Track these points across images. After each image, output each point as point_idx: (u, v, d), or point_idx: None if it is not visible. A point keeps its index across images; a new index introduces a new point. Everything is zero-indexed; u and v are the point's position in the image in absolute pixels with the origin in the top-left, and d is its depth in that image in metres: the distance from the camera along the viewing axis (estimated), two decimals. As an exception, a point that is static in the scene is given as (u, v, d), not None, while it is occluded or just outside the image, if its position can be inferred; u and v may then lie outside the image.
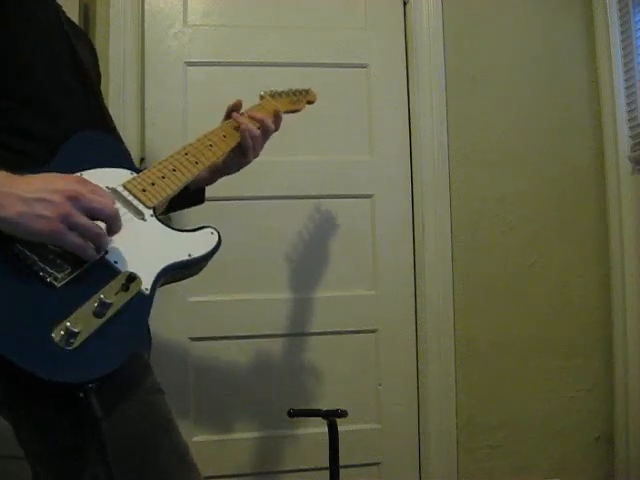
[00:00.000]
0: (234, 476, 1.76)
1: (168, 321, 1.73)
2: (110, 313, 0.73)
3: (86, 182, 0.75)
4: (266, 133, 1.18)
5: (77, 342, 0.69)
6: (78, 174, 0.83)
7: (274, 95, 1.31)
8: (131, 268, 0.79)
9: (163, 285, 0.88)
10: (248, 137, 1.14)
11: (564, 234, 1.91)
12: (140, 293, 0.78)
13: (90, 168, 0.86)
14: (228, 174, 1.21)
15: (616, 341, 1.88)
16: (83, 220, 0.71)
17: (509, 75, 1.93)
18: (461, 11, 1.91)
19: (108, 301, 0.73)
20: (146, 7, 1.79)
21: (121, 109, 1.73)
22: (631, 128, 1.85)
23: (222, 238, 0.93)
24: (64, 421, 0.73)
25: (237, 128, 1.14)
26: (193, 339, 1.76)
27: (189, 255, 0.88)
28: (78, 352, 0.69)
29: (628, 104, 1.86)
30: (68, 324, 0.68)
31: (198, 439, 1.74)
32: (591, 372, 1.90)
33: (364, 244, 1.86)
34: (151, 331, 1.79)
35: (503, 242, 1.89)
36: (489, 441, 1.86)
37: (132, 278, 0.77)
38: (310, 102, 1.45)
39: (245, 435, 1.77)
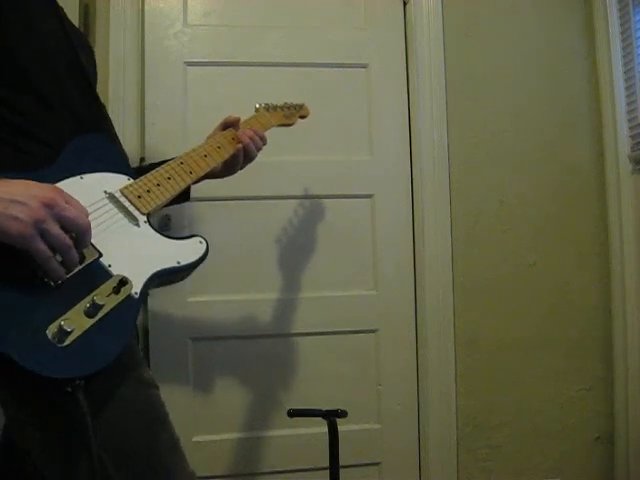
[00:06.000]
0: (234, 476, 1.76)
1: (168, 321, 1.73)
2: (101, 314, 0.76)
3: (62, 192, 0.76)
4: (257, 152, 1.25)
5: (69, 340, 0.72)
6: (78, 177, 0.87)
7: (268, 108, 1.36)
8: (123, 272, 0.82)
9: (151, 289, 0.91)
10: (242, 156, 1.21)
11: (564, 234, 1.91)
12: (130, 297, 0.82)
13: (90, 172, 0.89)
14: (211, 178, 1.25)
15: (616, 341, 1.88)
16: (55, 229, 0.72)
17: (509, 75, 1.93)
18: (461, 11, 1.91)
19: (100, 303, 0.76)
20: (146, 7, 1.79)
21: (121, 109, 1.73)
22: (631, 128, 1.85)
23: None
24: (58, 420, 0.77)
25: (233, 141, 1.20)
26: (193, 339, 1.76)
27: (178, 262, 0.92)
28: (69, 349, 0.72)
29: (628, 104, 1.85)
30: (62, 323, 0.72)
31: (198, 439, 1.74)
32: (591, 372, 1.90)
33: (364, 244, 1.86)
34: (151, 331, 1.80)
35: (503, 242, 1.89)
36: (489, 441, 1.86)
37: (123, 282, 0.81)
38: (303, 117, 1.49)
39: (245, 435, 1.77)
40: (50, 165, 0.85)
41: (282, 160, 1.79)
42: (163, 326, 1.73)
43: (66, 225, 0.73)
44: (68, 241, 0.74)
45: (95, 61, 1.15)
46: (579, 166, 1.93)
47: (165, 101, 1.78)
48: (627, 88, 1.86)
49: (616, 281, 1.88)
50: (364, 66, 1.89)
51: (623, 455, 1.83)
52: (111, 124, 1.07)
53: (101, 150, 0.95)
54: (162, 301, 1.73)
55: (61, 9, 1.02)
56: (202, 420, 1.75)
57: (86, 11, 1.76)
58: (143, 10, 1.79)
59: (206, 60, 1.82)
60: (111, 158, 0.96)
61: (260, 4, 1.86)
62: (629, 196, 1.84)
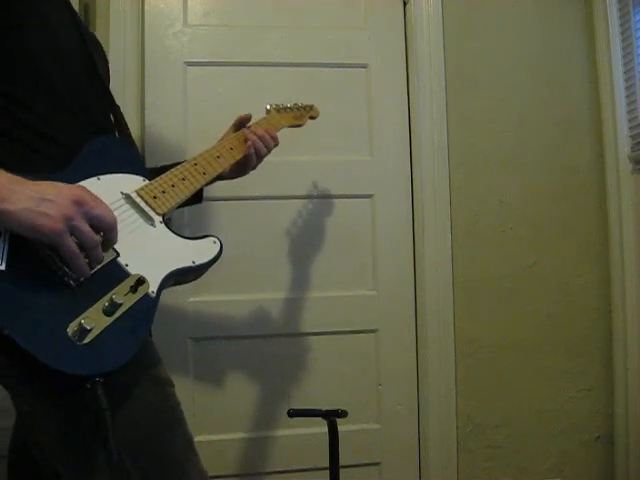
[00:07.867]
0: (234, 476, 1.76)
1: (169, 321, 1.73)
2: (119, 313, 0.78)
3: (89, 191, 0.77)
4: (268, 152, 1.26)
5: (89, 338, 0.74)
6: (95, 178, 0.88)
7: (279, 110, 1.38)
8: (140, 271, 0.84)
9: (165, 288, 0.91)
10: (254, 155, 1.22)
11: (564, 234, 1.91)
12: (147, 295, 0.84)
13: (107, 173, 0.91)
14: (223, 180, 1.26)
15: (616, 341, 1.88)
16: (85, 225, 0.74)
17: (509, 75, 1.93)
18: (461, 11, 1.91)
19: (118, 301, 0.78)
20: (146, 7, 1.79)
21: (121, 109, 1.73)
22: (631, 128, 1.85)
23: (223, 238, 0.97)
24: (77, 415, 0.78)
25: (244, 142, 1.21)
26: (193, 339, 1.76)
27: (193, 262, 0.94)
28: (89, 347, 0.74)
29: (628, 104, 1.85)
30: (82, 321, 0.73)
31: (198, 439, 1.73)
32: (591, 372, 1.90)
33: (364, 244, 1.86)
34: (151, 331, 1.79)
35: (503, 242, 1.89)
36: (489, 441, 1.86)
37: (141, 281, 0.82)
38: (312, 117, 1.51)
39: (245, 435, 1.77)
40: (67, 166, 0.86)
41: (282, 160, 1.79)
42: (163, 326, 1.73)
43: (94, 223, 0.75)
44: (97, 238, 0.75)
45: (108, 63, 1.15)
46: (579, 166, 1.93)
47: (165, 101, 1.78)
48: (627, 88, 1.86)
49: (616, 281, 1.88)
50: (364, 66, 1.89)
51: (623, 455, 1.83)
52: (126, 125, 1.09)
53: (117, 151, 0.97)
54: (163, 301, 1.72)
55: (75, 12, 1.02)
56: (202, 420, 1.75)
57: (86, 11, 1.76)
58: (143, 10, 1.79)
59: (206, 60, 1.82)
60: (127, 159, 0.98)
61: (260, 4, 1.86)
62: (629, 196, 1.84)
